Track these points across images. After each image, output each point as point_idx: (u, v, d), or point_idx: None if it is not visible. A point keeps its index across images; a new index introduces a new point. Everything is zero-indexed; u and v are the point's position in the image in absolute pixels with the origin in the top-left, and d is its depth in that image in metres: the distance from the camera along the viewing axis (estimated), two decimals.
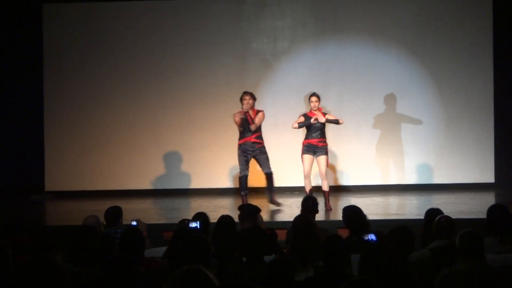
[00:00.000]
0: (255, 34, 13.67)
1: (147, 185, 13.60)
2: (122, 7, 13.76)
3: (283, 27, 13.65)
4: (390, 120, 13.47)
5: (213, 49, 13.64)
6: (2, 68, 13.86)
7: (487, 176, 13.42)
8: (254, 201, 9.62)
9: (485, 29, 13.44)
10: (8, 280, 4.68)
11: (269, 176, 11.12)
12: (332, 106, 13.46)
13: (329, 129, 13.46)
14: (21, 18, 13.80)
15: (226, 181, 13.41)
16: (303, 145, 11.03)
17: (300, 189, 12.97)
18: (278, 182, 12.69)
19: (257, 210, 7.47)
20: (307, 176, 10.95)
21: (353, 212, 6.97)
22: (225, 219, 6.73)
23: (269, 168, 11.12)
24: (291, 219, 8.97)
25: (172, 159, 13.57)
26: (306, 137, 11.07)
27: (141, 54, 13.68)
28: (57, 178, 13.67)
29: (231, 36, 13.66)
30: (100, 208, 8.44)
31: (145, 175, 13.62)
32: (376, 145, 13.45)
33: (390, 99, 13.48)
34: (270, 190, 11.17)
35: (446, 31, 13.48)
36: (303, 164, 11.00)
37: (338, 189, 13.21)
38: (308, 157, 10.97)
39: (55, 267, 3.52)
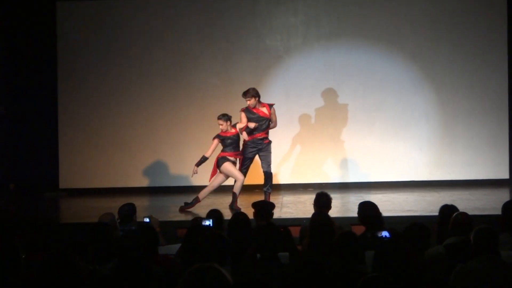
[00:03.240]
0: (268, 31, 13.66)
1: (161, 183, 13.61)
2: (136, 5, 13.77)
3: (297, 24, 13.63)
4: (403, 116, 13.43)
5: (226, 46, 13.64)
6: (16, 67, 13.91)
7: (502, 172, 13.37)
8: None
9: (500, 26, 13.38)
10: (20, 279, 4.70)
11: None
12: (345, 103, 13.44)
13: (344, 124, 13.44)
14: (35, 16, 13.84)
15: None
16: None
17: (313, 186, 12.98)
18: (292, 179, 12.71)
19: (272, 206, 7.47)
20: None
21: (369, 208, 6.95)
22: (239, 216, 6.73)
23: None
24: (305, 216, 9.00)
25: (185, 157, 13.57)
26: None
27: (155, 52, 13.70)
28: (71, 176, 13.71)
29: (244, 33, 13.65)
30: (114, 205, 8.46)
31: (159, 172, 13.63)
32: (390, 142, 13.42)
33: (404, 96, 13.45)
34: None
35: (460, 28, 13.42)
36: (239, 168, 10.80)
37: (352, 186, 13.20)
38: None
39: (75, 265, 3.52)
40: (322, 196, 7.78)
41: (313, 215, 6.80)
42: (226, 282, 3.21)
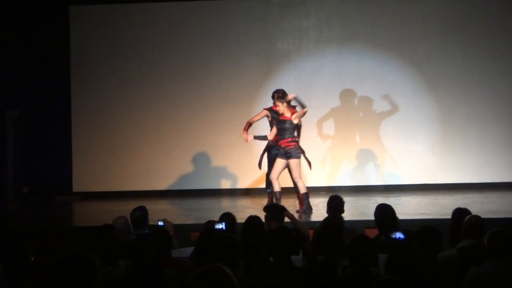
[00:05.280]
0: (280, 35, 13.66)
1: (173, 186, 13.64)
2: (148, 9, 13.81)
3: (309, 27, 13.63)
4: (416, 119, 13.40)
5: (238, 50, 13.65)
6: (30, 71, 13.97)
7: None
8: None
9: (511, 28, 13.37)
10: (29, 281, 4.72)
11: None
12: (358, 106, 13.43)
13: (356, 127, 13.43)
14: (48, 20, 13.91)
15: (252, 181, 13.40)
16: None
17: (326, 189, 12.96)
18: (304, 182, 12.69)
19: (283, 209, 7.47)
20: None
21: (386, 211, 6.92)
22: (253, 220, 6.72)
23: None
24: (318, 219, 9.00)
25: (197, 160, 13.61)
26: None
27: (167, 55, 13.73)
28: (84, 179, 13.75)
29: (256, 36, 13.66)
30: (127, 209, 8.47)
31: (171, 175, 13.66)
32: (402, 144, 13.38)
33: (416, 98, 13.42)
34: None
35: (472, 30, 13.39)
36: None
37: (364, 189, 13.17)
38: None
39: (92, 263, 3.53)
40: (335, 199, 7.78)
41: (324, 219, 6.80)
42: (231, 282, 3.22)
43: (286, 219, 7.47)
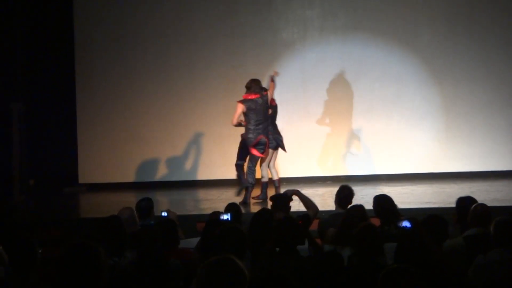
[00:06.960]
0: (284, 25, 13.64)
1: (179, 177, 13.64)
2: (152, 0, 13.78)
3: (313, 17, 13.60)
4: (421, 108, 13.38)
5: (243, 40, 13.63)
6: (34, 63, 13.97)
7: None
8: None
9: None
10: (37, 274, 4.73)
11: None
12: (363, 95, 13.40)
13: (361, 117, 13.40)
14: (52, 12, 13.89)
15: (258, 172, 13.37)
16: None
17: (332, 179, 12.96)
18: (310, 172, 12.73)
19: (289, 199, 7.47)
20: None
21: (383, 201, 6.93)
22: (262, 211, 6.72)
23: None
24: (323, 208, 9.00)
25: (203, 150, 13.61)
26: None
27: (172, 46, 13.71)
28: (90, 171, 13.76)
29: (260, 26, 13.64)
30: (133, 200, 8.51)
31: (177, 166, 13.66)
32: (408, 133, 13.37)
33: (421, 88, 13.40)
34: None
35: (477, 19, 13.34)
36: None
37: (370, 178, 13.15)
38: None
39: (98, 255, 3.53)
40: (345, 189, 7.75)
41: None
42: (242, 274, 3.23)
43: (293, 209, 7.48)
